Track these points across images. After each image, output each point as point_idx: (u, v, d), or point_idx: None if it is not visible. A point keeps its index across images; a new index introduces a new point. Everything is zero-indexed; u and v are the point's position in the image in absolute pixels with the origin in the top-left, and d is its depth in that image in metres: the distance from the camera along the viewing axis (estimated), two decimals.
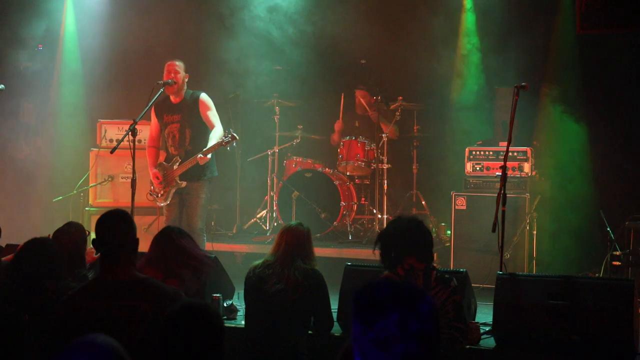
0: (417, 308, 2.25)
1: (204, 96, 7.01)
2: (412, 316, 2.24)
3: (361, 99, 8.56)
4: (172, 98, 6.99)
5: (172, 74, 6.90)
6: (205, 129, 6.95)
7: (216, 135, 6.86)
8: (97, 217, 8.31)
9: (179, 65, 6.94)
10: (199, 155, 6.76)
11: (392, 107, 8.08)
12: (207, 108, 6.98)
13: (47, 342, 3.51)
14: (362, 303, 2.27)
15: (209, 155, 6.81)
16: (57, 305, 3.51)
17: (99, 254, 5.18)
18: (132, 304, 3.36)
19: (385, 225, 7.67)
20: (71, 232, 4.84)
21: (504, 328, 4.98)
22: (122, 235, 3.51)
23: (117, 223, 3.55)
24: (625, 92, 7.88)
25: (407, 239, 4.21)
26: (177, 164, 6.94)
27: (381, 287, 2.31)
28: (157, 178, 7.00)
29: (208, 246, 7.32)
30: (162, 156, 7.22)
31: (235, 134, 6.81)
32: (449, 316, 4.35)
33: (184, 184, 6.94)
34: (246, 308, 4.88)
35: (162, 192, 7.03)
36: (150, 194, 7.11)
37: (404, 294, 2.26)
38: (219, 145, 6.75)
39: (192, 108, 6.97)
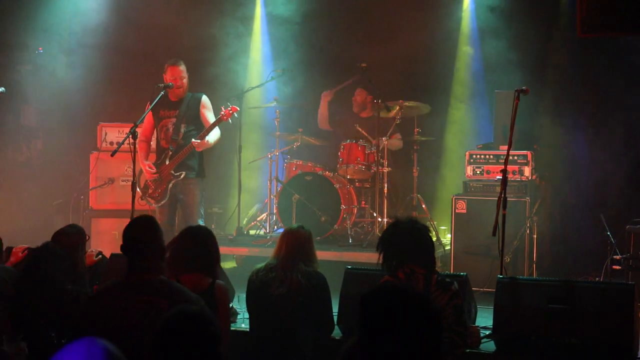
0: (420, 314, 2.26)
1: (205, 97, 7.13)
2: (415, 322, 2.25)
3: (357, 97, 8.59)
4: (171, 97, 7.03)
5: (179, 81, 6.99)
6: (201, 127, 7.02)
7: (214, 133, 6.93)
8: (97, 219, 8.40)
9: (183, 69, 7.02)
10: (194, 140, 6.81)
11: (391, 112, 8.08)
12: (207, 108, 7.10)
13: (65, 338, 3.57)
14: (368, 308, 2.29)
15: (207, 139, 6.84)
16: (80, 305, 3.56)
17: (99, 257, 5.24)
18: (153, 299, 3.42)
19: (385, 228, 7.67)
20: (71, 234, 4.84)
21: (504, 332, 4.98)
22: (147, 240, 3.59)
23: (143, 229, 3.62)
24: (626, 95, 7.89)
25: (408, 247, 4.17)
26: (169, 158, 6.97)
27: (386, 293, 2.32)
28: (151, 168, 7.01)
29: None
30: (152, 158, 7.23)
31: (235, 106, 6.90)
32: (449, 320, 4.34)
33: (182, 174, 6.93)
34: (250, 312, 4.88)
35: (157, 193, 7.02)
36: (142, 199, 7.10)
37: (409, 300, 2.27)
38: (219, 121, 6.85)
39: (191, 105, 7.06)
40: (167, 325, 2.73)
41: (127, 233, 3.63)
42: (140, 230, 3.62)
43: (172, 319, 2.75)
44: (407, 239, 4.16)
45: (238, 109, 6.97)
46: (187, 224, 6.95)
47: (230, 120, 6.92)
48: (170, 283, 3.59)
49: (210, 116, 7.04)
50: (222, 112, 6.85)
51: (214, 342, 2.73)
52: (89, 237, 5.08)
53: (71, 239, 4.77)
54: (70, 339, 3.47)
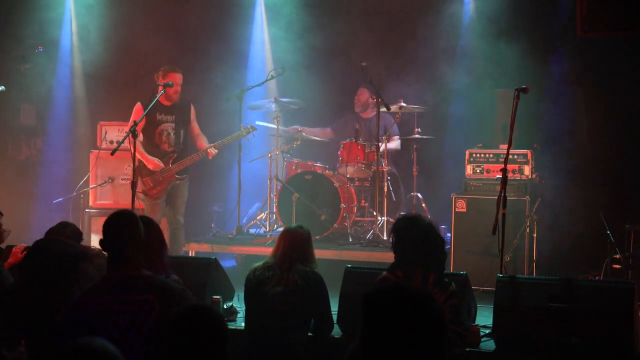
0: (423, 313, 2.26)
1: (192, 106, 7.53)
2: (418, 321, 2.25)
3: (360, 96, 8.59)
4: (164, 101, 7.24)
5: (177, 87, 7.26)
6: (190, 133, 7.47)
7: (205, 139, 7.42)
8: (97, 218, 8.42)
9: (181, 76, 7.32)
10: (211, 150, 7.31)
11: (392, 110, 8.07)
12: (195, 115, 7.53)
13: (54, 342, 3.52)
14: (371, 307, 2.29)
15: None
16: (66, 304, 3.53)
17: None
18: (141, 298, 3.39)
19: (389, 223, 7.66)
20: (65, 233, 4.78)
21: (504, 331, 4.97)
22: (128, 234, 3.56)
23: (123, 223, 3.59)
24: (626, 94, 7.88)
25: (424, 255, 4.43)
26: (172, 161, 7.30)
27: (389, 291, 2.32)
28: (159, 162, 7.20)
29: (208, 248, 7.42)
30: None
31: (254, 125, 7.63)
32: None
33: (184, 178, 7.36)
34: (246, 310, 4.89)
35: (155, 191, 7.23)
36: (137, 198, 7.16)
37: (412, 299, 2.28)
38: (237, 135, 7.50)
39: (184, 112, 7.41)
40: (177, 323, 2.76)
41: (107, 228, 3.57)
42: (121, 225, 3.57)
43: (182, 317, 2.77)
44: (418, 245, 4.44)
45: (257, 129, 7.56)
46: (174, 220, 7.34)
47: (248, 139, 7.61)
48: (153, 277, 3.55)
49: (195, 125, 7.50)
50: (241, 130, 7.48)
51: (222, 339, 2.77)
52: (82, 234, 5.04)
53: (65, 236, 4.69)
54: (59, 342, 3.44)
